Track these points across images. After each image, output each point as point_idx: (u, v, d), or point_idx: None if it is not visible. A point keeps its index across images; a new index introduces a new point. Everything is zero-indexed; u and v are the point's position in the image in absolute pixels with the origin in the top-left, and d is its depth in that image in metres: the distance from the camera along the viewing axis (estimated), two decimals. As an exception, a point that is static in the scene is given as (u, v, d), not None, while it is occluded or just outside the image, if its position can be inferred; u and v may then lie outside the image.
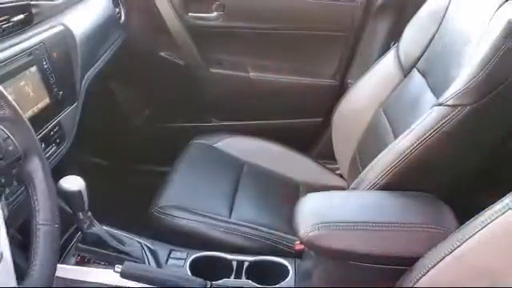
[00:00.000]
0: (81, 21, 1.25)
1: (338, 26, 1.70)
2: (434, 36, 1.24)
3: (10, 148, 0.65)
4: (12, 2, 1.00)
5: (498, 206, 0.70)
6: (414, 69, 1.29)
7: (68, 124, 1.11)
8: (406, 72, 1.32)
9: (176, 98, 1.84)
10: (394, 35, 1.44)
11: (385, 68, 1.41)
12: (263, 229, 1.18)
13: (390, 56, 1.40)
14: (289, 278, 1.04)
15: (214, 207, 1.25)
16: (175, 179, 1.37)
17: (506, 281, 0.66)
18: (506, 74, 0.86)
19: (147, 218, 1.22)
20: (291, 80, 1.78)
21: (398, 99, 1.30)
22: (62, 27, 1.14)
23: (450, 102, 0.91)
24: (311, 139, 1.83)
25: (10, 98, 0.68)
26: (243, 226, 1.19)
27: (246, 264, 1.07)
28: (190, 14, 1.69)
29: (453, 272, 0.74)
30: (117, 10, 1.57)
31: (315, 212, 0.89)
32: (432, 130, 0.92)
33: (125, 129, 1.86)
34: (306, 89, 1.78)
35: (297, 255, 1.09)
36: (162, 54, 1.76)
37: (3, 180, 0.64)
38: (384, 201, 0.92)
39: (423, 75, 1.23)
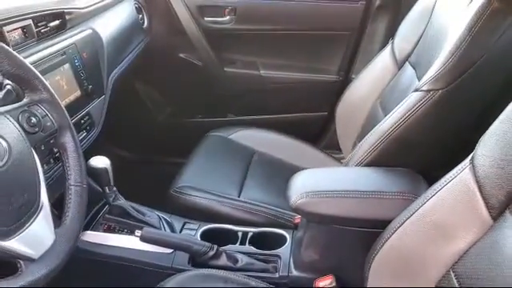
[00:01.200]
0: (107, 26, 1.40)
1: (341, 26, 1.77)
2: (423, 32, 1.33)
3: (48, 124, 0.81)
4: (49, 10, 1.15)
5: (455, 169, 0.81)
6: (407, 62, 1.37)
7: (96, 114, 1.25)
8: (399, 65, 1.41)
9: (194, 96, 1.93)
10: (392, 33, 1.51)
11: (382, 63, 1.49)
12: (267, 205, 1.30)
13: (386, 52, 1.48)
14: (286, 245, 1.15)
15: (224, 188, 1.37)
16: (192, 165, 1.50)
17: (457, 233, 0.77)
18: (472, 61, 0.96)
19: (166, 199, 1.35)
20: (299, 77, 1.86)
21: (392, 90, 1.39)
22: (90, 31, 1.29)
23: (424, 88, 1.02)
24: (318, 131, 1.90)
25: (47, 84, 0.83)
26: (249, 203, 1.31)
27: (249, 234, 1.20)
28: (205, 18, 1.79)
29: (415, 229, 0.84)
30: (140, 16, 1.70)
31: (304, 184, 1.01)
32: (409, 113, 1.02)
33: (148, 124, 1.98)
34: (312, 85, 1.85)
35: (295, 228, 1.20)
36: (181, 55, 1.87)
37: (43, 147, 0.80)
38: (365, 174, 1.04)
39: (414, 67, 1.31)
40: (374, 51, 1.65)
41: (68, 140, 0.84)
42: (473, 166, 0.76)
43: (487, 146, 0.75)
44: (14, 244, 0.66)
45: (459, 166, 0.79)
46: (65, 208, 0.80)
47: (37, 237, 0.71)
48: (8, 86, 0.83)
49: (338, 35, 1.79)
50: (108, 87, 1.34)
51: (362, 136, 1.47)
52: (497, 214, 0.70)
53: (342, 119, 1.61)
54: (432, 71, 1.02)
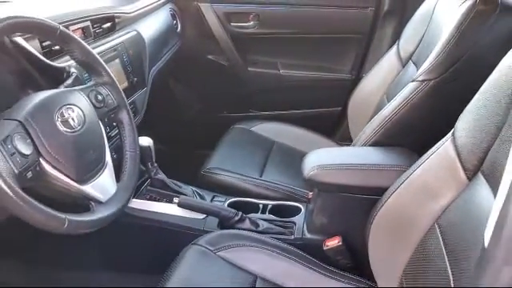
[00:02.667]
0: (148, 29, 1.59)
1: (353, 30, 1.90)
2: (424, 33, 1.46)
3: (110, 101, 0.99)
4: (102, 14, 1.34)
5: (440, 141, 0.95)
6: (410, 60, 1.50)
7: (139, 103, 1.43)
8: (404, 64, 1.54)
9: (221, 93, 2.08)
10: (397, 35, 1.63)
11: (388, 62, 1.62)
12: (284, 184, 1.46)
13: (393, 52, 1.62)
14: (300, 214, 1.31)
15: (248, 170, 1.53)
16: (219, 152, 1.66)
17: (440, 192, 0.91)
18: (459, 55, 1.11)
19: (197, 179, 1.51)
20: (315, 75, 1.99)
21: (396, 84, 1.52)
22: (135, 32, 1.48)
23: (419, 78, 1.17)
24: (332, 125, 2.02)
25: (109, 70, 1.02)
26: (269, 182, 1.47)
27: (269, 206, 1.36)
28: (231, 23, 1.94)
29: (407, 192, 0.99)
30: (174, 22, 1.89)
31: (315, 159, 1.17)
32: (406, 100, 1.17)
33: (180, 119, 2.13)
34: (327, 83, 1.98)
35: (308, 202, 1.36)
36: (209, 56, 2.02)
37: (106, 120, 0.98)
38: (368, 151, 1.19)
39: (415, 64, 1.44)
40: (382, 52, 1.75)
41: (124, 116, 1.02)
42: (453, 137, 0.91)
43: (464, 120, 0.90)
44: (89, 189, 0.85)
45: (443, 139, 0.94)
46: (122, 168, 0.99)
47: (104, 186, 0.89)
48: (74, 74, 1.02)
49: (350, 38, 1.93)
50: (149, 81, 1.53)
51: (370, 126, 1.63)
52: (471, 175, 0.84)
53: (353, 112, 1.75)
54: (426, 64, 1.17)
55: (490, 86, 0.84)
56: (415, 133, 1.20)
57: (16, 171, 0.71)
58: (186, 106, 2.16)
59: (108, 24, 1.36)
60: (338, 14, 1.88)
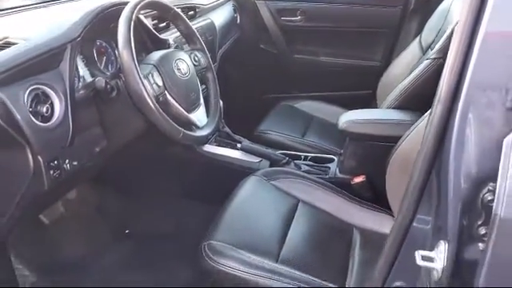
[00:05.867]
0: (218, 18, 1.94)
1: (383, 25, 2.15)
2: (441, 27, 1.72)
3: (202, 62, 1.36)
4: (187, 4, 1.72)
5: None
6: (429, 49, 1.79)
7: None
8: (424, 52, 1.81)
9: (270, 76, 2.35)
10: (421, 29, 1.88)
11: (411, 51, 1.87)
12: (323, 143, 1.78)
13: (415, 43, 1.87)
14: (334, 162, 1.65)
15: (292, 133, 1.85)
16: (271, 118, 2.00)
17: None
18: None
19: (252, 139, 1.83)
20: (350, 63, 2.24)
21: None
22: (209, 20, 1.84)
23: (431, 57, 1.46)
24: (363, 105, 2.28)
25: (202, 40, 1.39)
26: (310, 140, 1.80)
27: (309, 156, 1.68)
28: (282, 18, 2.24)
29: (416, 138, 1.29)
30: (235, 15, 2.23)
31: (348, 116, 1.51)
32: (420, 74, 1.47)
33: (235, 101, 2.28)
34: (360, 69, 2.24)
35: (340, 155, 1.68)
36: (262, 45, 2.33)
37: (200, 75, 1.35)
38: (389, 112, 1.51)
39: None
40: (407, 43, 1.94)
41: (210, 74, 1.39)
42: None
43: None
44: (192, 116, 1.22)
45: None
46: (209, 109, 1.35)
47: (200, 117, 1.26)
48: (173, 44, 1.39)
49: (381, 31, 2.19)
50: (218, 60, 1.89)
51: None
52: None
53: (381, 94, 1.99)
54: (438, 44, 1.47)
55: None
56: (426, 99, 1.49)
57: (155, 94, 1.08)
58: (239, 88, 2.39)
59: (191, 12, 1.73)
60: (371, 11, 2.15)
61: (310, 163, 1.63)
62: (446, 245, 0.64)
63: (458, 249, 0.62)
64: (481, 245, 0.57)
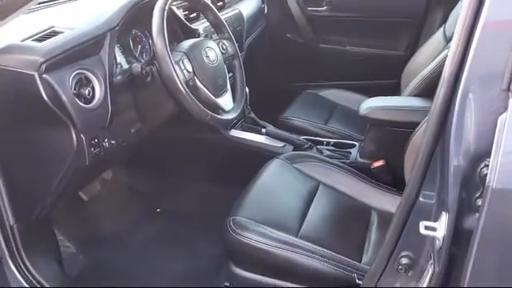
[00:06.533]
0: (246, 9, 2.01)
1: (408, 15, 2.17)
2: None
3: (229, 50, 1.44)
4: (215, -4, 1.81)
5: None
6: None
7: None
8: (447, 41, 1.86)
9: (296, 65, 2.38)
10: (445, 19, 1.89)
11: (436, 40, 1.89)
12: (347, 130, 1.84)
13: (440, 33, 1.89)
14: (355, 147, 1.70)
15: (315, 118, 1.92)
16: (294, 106, 2.07)
17: None
18: None
19: (276, 125, 1.92)
20: (375, 52, 2.27)
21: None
22: (237, 10, 1.91)
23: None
24: (388, 94, 2.27)
25: (229, 30, 1.46)
26: (332, 127, 1.86)
27: (331, 142, 1.75)
28: (308, 8, 2.28)
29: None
30: (263, 5, 2.29)
31: (369, 103, 1.56)
32: (440, 63, 1.50)
33: (261, 88, 2.27)
34: (385, 58, 2.26)
35: (361, 141, 1.73)
36: (288, 35, 2.37)
37: (227, 63, 1.43)
38: (408, 99, 1.56)
39: None
40: (432, 33, 1.94)
41: (237, 62, 1.47)
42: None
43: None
44: (220, 100, 1.30)
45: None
46: (235, 95, 1.43)
47: (226, 102, 1.34)
48: (202, 34, 1.47)
49: (406, 22, 2.20)
50: (245, 49, 1.96)
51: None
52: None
53: (405, 82, 2.01)
54: (457, 35, 1.51)
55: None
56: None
57: (185, 79, 1.17)
58: (265, 76, 2.42)
59: (220, 3, 1.81)
60: (397, 1, 2.19)
61: (332, 148, 1.69)
62: (447, 215, 0.70)
63: (457, 219, 0.68)
64: (478, 215, 0.64)
